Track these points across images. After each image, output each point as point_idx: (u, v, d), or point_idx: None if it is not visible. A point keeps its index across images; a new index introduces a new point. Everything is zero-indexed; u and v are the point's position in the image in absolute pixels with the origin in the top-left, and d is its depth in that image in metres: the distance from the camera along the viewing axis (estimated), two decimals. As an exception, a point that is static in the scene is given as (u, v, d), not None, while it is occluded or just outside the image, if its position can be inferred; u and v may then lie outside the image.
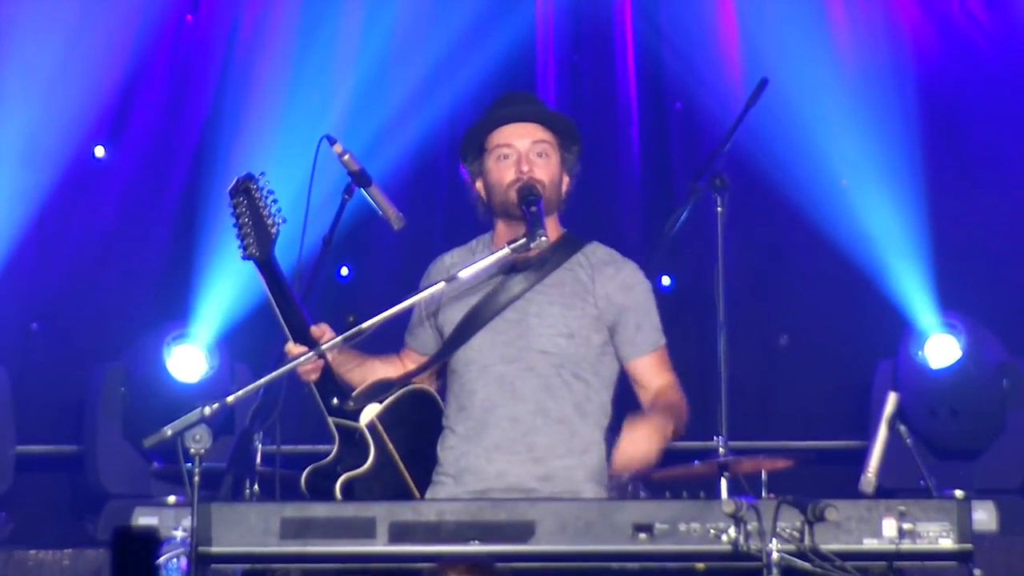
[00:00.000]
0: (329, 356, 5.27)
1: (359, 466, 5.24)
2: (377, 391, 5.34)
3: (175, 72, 9.71)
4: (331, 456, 5.27)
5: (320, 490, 5.21)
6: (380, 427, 5.28)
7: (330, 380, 5.29)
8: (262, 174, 5.41)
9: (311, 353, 5.09)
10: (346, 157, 5.44)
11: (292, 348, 5.23)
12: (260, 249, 5.32)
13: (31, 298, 9.55)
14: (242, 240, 5.36)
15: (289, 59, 9.67)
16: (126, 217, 9.66)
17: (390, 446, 5.27)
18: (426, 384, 5.45)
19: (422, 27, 9.72)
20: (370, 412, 5.30)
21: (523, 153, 5.31)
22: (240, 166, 9.36)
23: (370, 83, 9.61)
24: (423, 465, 5.31)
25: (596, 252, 5.40)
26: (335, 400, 5.28)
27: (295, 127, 9.24)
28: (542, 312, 5.29)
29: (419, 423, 5.35)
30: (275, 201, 5.37)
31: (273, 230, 5.34)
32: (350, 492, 5.19)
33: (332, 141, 5.42)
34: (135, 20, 9.55)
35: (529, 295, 5.30)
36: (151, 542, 4.21)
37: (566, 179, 5.41)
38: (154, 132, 9.69)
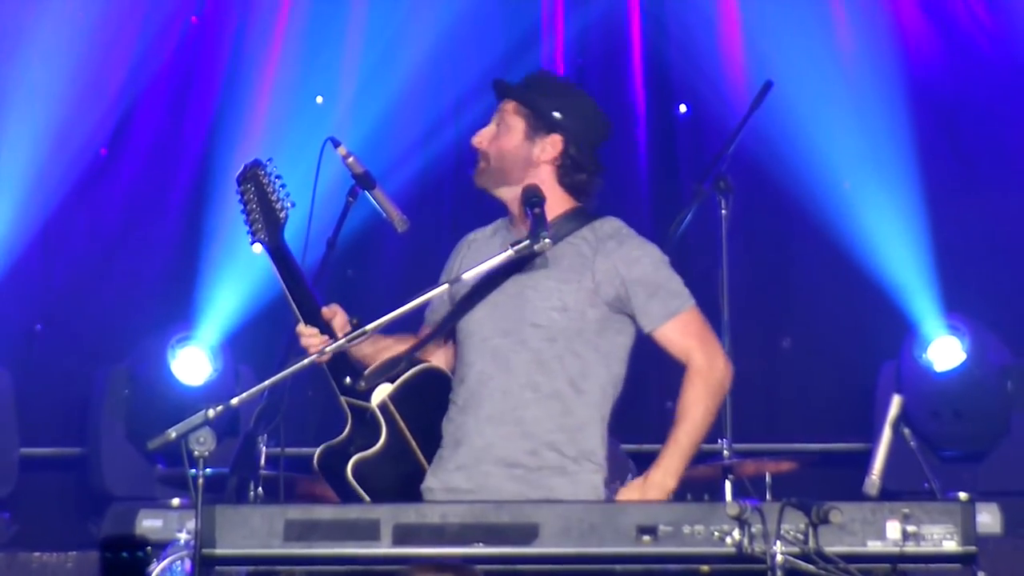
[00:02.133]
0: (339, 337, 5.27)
1: (371, 446, 5.23)
2: (387, 368, 5.32)
3: (180, 74, 9.71)
4: (343, 435, 5.26)
5: (332, 470, 5.20)
6: (392, 407, 5.27)
7: (343, 359, 5.28)
8: (269, 159, 5.42)
9: (313, 356, 5.08)
10: (350, 159, 5.45)
11: (303, 329, 5.24)
12: (269, 234, 5.33)
13: (35, 300, 9.56)
14: (250, 226, 5.36)
15: (293, 61, 9.68)
16: (130, 219, 9.67)
17: (402, 425, 5.27)
18: (443, 357, 5.44)
19: (426, 31, 9.72)
20: (381, 392, 5.28)
21: (480, 133, 5.38)
22: (244, 168, 9.40)
23: (374, 86, 9.62)
24: (435, 443, 5.29)
25: (604, 226, 5.33)
26: (347, 379, 5.28)
27: (300, 129, 9.24)
28: (538, 285, 5.26)
29: (430, 401, 5.33)
30: (283, 186, 5.38)
31: (282, 215, 5.35)
32: (361, 472, 5.18)
33: (336, 143, 5.43)
34: (139, 21, 9.55)
35: (529, 269, 5.28)
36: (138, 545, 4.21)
37: (552, 137, 5.31)
38: (158, 134, 9.70)
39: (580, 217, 5.34)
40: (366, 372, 5.30)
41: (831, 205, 9.50)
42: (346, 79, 9.66)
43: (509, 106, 5.35)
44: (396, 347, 5.42)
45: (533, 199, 5.22)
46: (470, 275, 5.16)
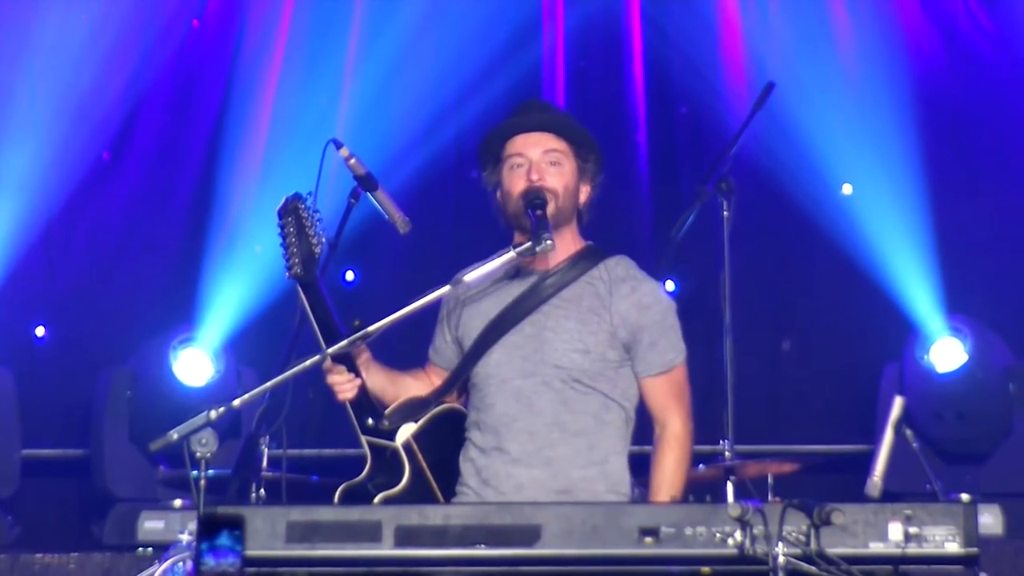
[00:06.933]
0: (364, 375, 5.31)
1: (392, 485, 5.26)
2: (409, 410, 5.36)
3: (182, 77, 9.72)
4: (363, 474, 5.30)
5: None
6: (415, 447, 5.31)
7: (365, 400, 5.32)
8: (310, 193, 5.42)
9: (316, 358, 5.08)
10: (352, 161, 5.45)
11: (331, 367, 5.26)
12: (304, 269, 5.34)
13: (38, 302, 9.57)
14: (288, 260, 5.37)
15: (295, 64, 9.68)
16: (133, 221, 9.68)
17: (424, 465, 5.30)
18: (455, 400, 5.48)
19: (428, 33, 9.73)
20: (406, 432, 5.32)
21: (535, 162, 5.33)
22: (247, 170, 9.41)
23: (377, 88, 9.62)
24: (454, 484, 5.34)
25: (617, 267, 5.39)
26: (370, 420, 5.31)
27: (301, 131, 9.25)
28: (558, 327, 5.29)
29: (451, 442, 5.37)
30: (320, 220, 5.39)
31: (317, 249, 5.36)
32: None
33: (339, 145, 5.43)
34: (142, 25, 9.56)
35: (546, 309, 5.31)
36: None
37: (585, 188, 5.42)
38: (161, 137, 9.70)
39: (592, 256, 5.40)
40: (387, 411, 5.33)
41: (833, 206, 9.51)
42: (347, 81, 9.66)
43: (561, 146, 5.37)
44: (414, 386, 5.46)
45: (536, 201, 5.24)
46: (473, 276, 5.18)
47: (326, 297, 5.34)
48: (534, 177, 5.29)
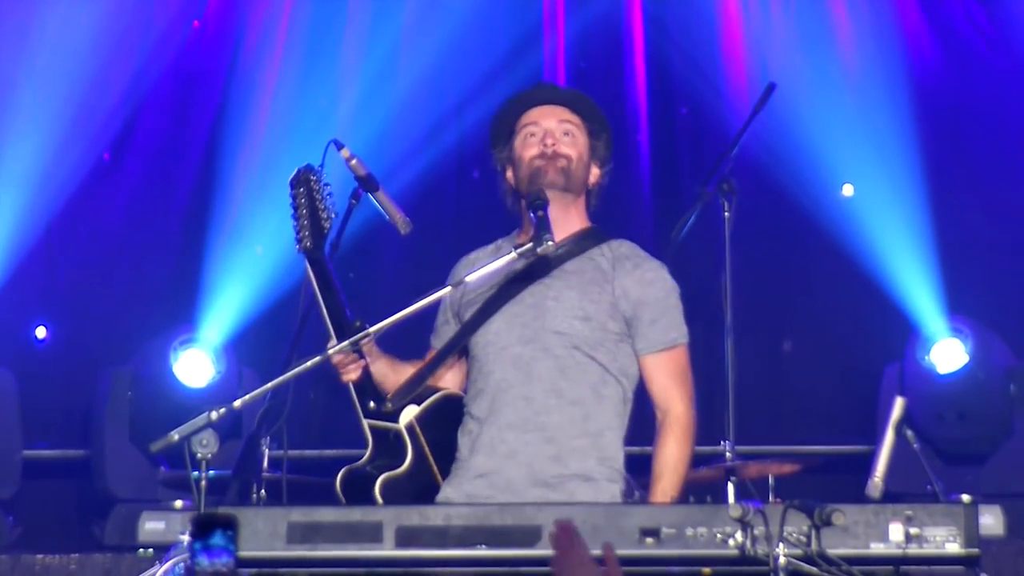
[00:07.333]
0: (369, 360, 5.30)
1: (393, 467, 5.26)
2: (409, 389, 5.37)
3: (182, 77, 9.72)
4: (364, 458, 5.30)
5: (355, 492, 5.23)
6: (418, 429, 5.31)
7: (368, 383, 5.32)
8: (321, 166, 5.42)
9: (318, 358, 5.09)
10: (353, 162, 5.45)
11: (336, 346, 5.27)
12: (314, 243, 5.34)
13: (39, 302, 9.56)
14: (298, 232, 5.37)
15: (295, 64, 9.68)
16: (134, 222, 9.68)
17: (426, 448, 5.30)
18: (455, 377, 5.48)
19: (428, 34, 9.73)
20: (409, 414, 5.33)
21: (549, 130, 5.38)
22: (247, 170, 9.41)
23: (378, 89, 9.62)
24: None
25: (620, 247, 5.43)
26: (372, 403, 5.31)
27: (302, 132, 9.24)
28: (560, 296, 5.31)
29: (452, 427, 5.38)
30: (330, 194, 5.40)
31: (326, 224, 5.37)
32: (388, 492, 5.21)
33: (340, 146, 5.44)
34: (142, 26, 9.56)
35: (548, 280, 5.34)
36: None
37: (595, 169, 5.45)
38: (161, 137, 9.70)
39: (595, 236, 5.44)
40: (389, 395, 5.33)
41: (834, 207, 9.51)
42: (348, 81, 9.66)
43: (575, 119, 5.43)
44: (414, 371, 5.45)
45: (537, 202, 5.26)
46: (473, 277, 5.19)
47: (333, 274, 5.34)
48: (549, 142, 5.34)
